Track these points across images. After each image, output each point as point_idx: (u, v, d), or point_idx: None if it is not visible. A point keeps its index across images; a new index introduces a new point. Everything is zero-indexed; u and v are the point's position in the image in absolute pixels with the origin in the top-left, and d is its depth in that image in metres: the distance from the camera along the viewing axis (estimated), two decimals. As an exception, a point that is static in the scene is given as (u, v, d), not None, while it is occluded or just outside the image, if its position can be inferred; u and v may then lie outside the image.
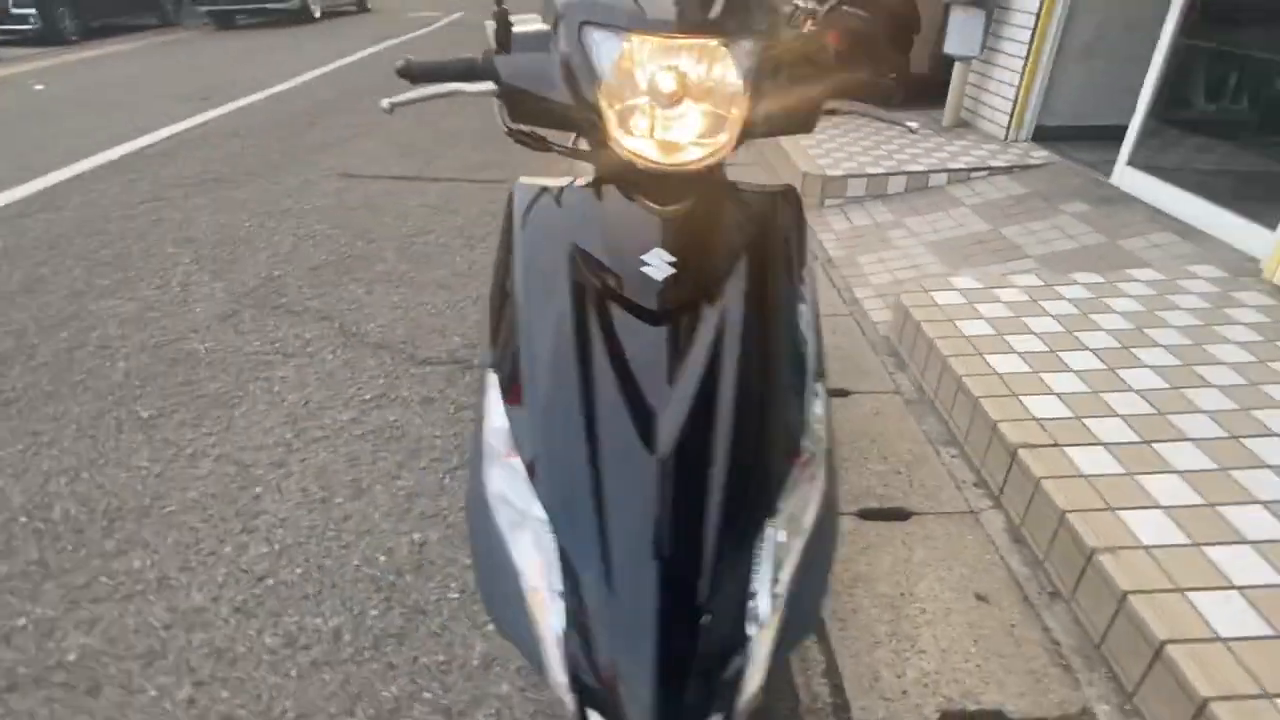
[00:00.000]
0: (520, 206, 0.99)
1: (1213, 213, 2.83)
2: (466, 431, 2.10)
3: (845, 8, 4.94)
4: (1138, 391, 1.82)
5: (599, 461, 0.77)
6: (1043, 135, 4.10)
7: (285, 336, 2.60)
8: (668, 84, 0.79)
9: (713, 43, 0.79)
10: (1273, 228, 2.53)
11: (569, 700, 0.74)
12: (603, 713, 0.72)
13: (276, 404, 2.23)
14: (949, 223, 3.31)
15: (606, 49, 0.81)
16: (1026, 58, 3.91)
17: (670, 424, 0.78)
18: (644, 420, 0.79)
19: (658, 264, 0.85)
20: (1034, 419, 1.73)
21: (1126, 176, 3.34)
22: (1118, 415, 1.73)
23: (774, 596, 0.75)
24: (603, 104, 0.82)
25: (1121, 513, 1.46)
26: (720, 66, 0.80)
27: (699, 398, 0.80)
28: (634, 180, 0.89)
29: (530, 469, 0.80)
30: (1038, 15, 3.80)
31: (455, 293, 2.93)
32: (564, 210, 0.97)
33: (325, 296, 2.89)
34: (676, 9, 0.79)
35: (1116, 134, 3.40)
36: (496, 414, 0.87)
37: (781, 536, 0.78)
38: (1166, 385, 1.84)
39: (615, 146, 0.84)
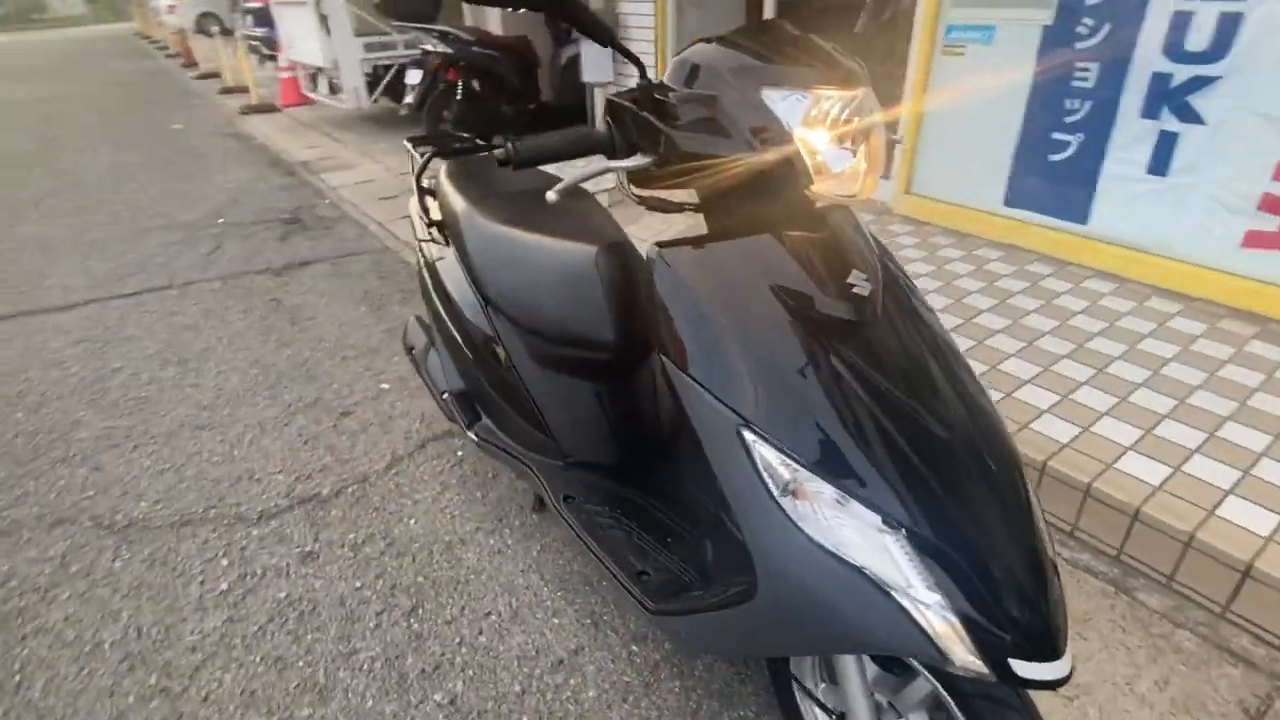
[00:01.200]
0: (685, 268, 0.98)
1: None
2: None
3: (475, 49, 5.16)
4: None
5: (910, 459, 0.86)
6: (683, 139, 4.91)
7: (19, 569, 1.81)
8: (846, 129, 0.90)
9: (861, 91, 0.92)
10: (887, 179, 3.54)
11: (983, 665, 0.82)
12: (1018, 655, 0.82)
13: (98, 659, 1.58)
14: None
15: (791, 106, 0.88)
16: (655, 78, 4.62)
17: (936, 412, 0.91)
18: (916, 415, 0.90)
19: (861, 283, 0.95)
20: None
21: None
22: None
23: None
24: (802, 151, 0.89)
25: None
26: (866, 109, 0.93)
27: (933, 387, 0.94)
28: (784, 218, 0.97)
29: (855, 493, 0.85)
30: (654, 41, 4.52)
31: (226, 429, 2.36)
32: (745, 260, 0.97)
33: (38, 496, 2.06)
34: (838, 72, 0.90)
35: None
36: (778, 462, 0.88)
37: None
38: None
39: (811, 188, 0.91)
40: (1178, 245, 2.59)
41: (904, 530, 0.84)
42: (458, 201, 1.70)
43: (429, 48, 5.07)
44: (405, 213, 4.34)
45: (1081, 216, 2.83)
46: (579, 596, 1.71)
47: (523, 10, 1.10)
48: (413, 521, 1.96)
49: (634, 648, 1.58)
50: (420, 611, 1.68)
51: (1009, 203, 3.06)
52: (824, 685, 1.24)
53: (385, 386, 2.60)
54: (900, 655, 0.87)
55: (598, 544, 1.40)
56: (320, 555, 1.84)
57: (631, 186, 1.04)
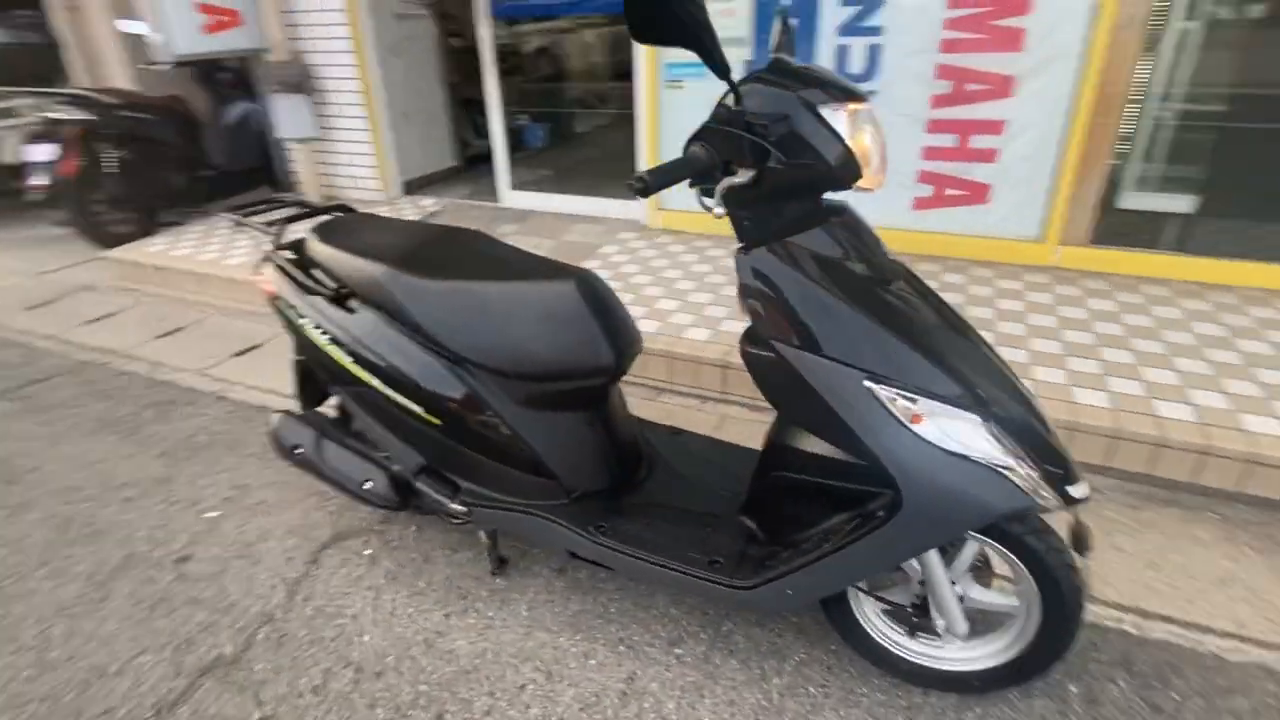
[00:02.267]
0: (784, 262, 1.13)
1: (593, 202, 4.14)
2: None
3: (123, 113, 4.39)
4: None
5: (973, 369, 1.16)
6: (410, 188, 4.77)
7: None
8: (875, 135, 1.15)
9: (867, 104, 1.18)
10: (631, 199, 3.96)
11: (1057, 497, 1.14)
12: (1067, 483, 1.15)
13: None
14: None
15: (839, 119, 1.10)
16: (370, 129, 4.42)
17: (967, 332, 1.22)
18: (962, 337, 1.20)
19: (887, 249, 1.21)
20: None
21: (513, 198, 4.38)
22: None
23: None
24: (858, 157, 1.11)
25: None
26: (874, 117, 1.19)
27: (954, 313, 1.25)
28: (808, 213, 1.20)
29: (955, 403, 1.11)
30: (363, 93, 4.32)
31: (14, 633, 1.72)
32: (819, 247, 1.16)
33: None
34: (850, 90, 1.15)
35: (448, 175, 4.45)
36: (898, 397, 1.10)
37: None
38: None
39: (859, 185, 1.14)
40: (871, 215, 3.43)
41: (992, 420, 1.12)
42: (367, 266, 1.55)
43: (59, 115, 4.09)
44: (77, 317, 3.49)
45: (802, 206, 3.57)
46: (597, 631, 1.69)
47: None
48: (367, 637, 1.70)
49: (678, 651, 1.63)
50: (449, 718, 1.49)
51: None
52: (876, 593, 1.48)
53: (214, 514, 2.14)
54: (1008, 514, 1.14)
55: (657, 555, 1.45)
56: (280, 715, 1.50)
57: (715, 203, 1.16)
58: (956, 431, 1.11)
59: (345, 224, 1.76)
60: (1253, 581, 1.75)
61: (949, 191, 3.26)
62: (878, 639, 1.49)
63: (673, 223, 3.86)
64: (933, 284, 3.01)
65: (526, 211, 4.31)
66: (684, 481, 1.66)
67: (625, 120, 3.93)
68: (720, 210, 1.19)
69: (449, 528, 2.01)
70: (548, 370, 1.47)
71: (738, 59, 3.38)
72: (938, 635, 1.44)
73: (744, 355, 1.29)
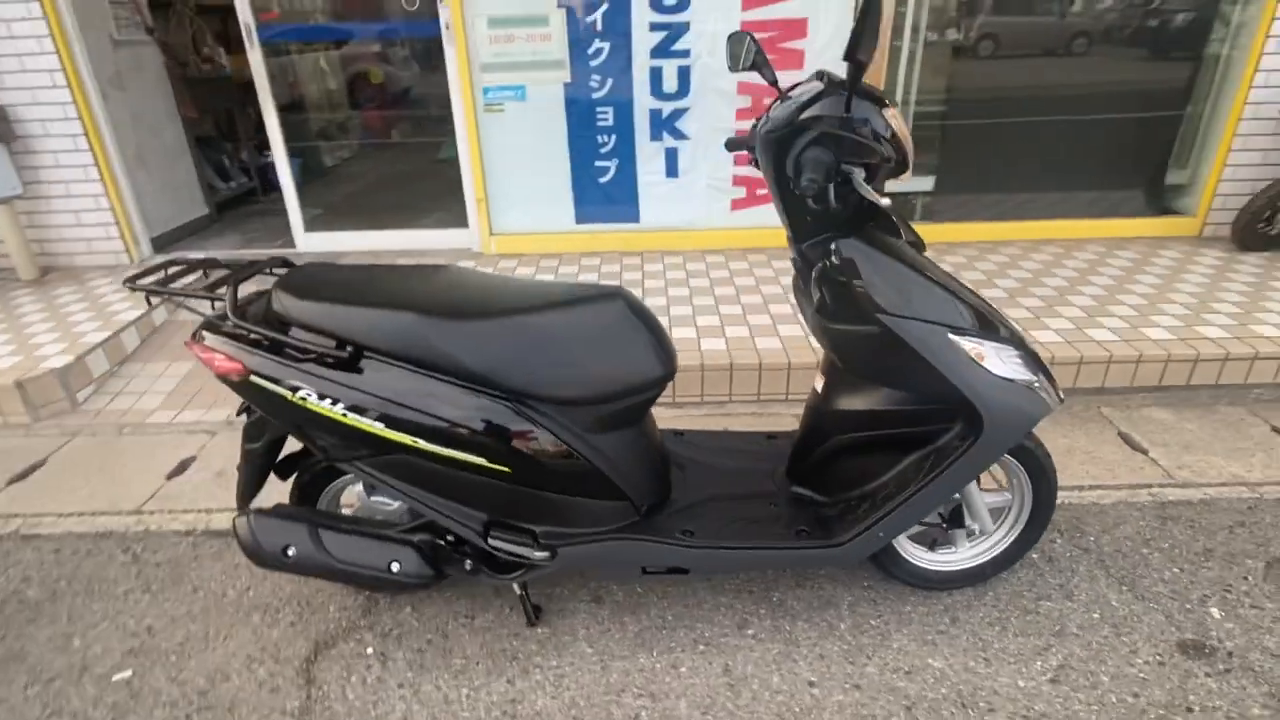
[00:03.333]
0: (876, 246, 1.31)
1: (412, 236, 3.90)
2: None
3: None
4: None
5: (992, 313, 1.47)
6: (160, 245, 3.98)
7: None
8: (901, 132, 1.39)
9: (897, 107, 1.41)
10: (458, 227, 3.83)
11: (1059, 401, 1.50)
12: (1056, 391, 1.52)
13: None
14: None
15: (884, 119, 1.32)
16: (102, 178, 3.60)
17: (978, 295, 1.53)
18: (980, 299, 1.51)
19: (916, 233, 1.47)
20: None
21: (312, 241, 3.92)
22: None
23: None
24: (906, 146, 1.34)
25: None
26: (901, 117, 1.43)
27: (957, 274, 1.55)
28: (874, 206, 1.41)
29: (999, 341, 1.41)
30: (87, 135, 3.51)
31: None
32: (887, 229, 1.36)
33: None
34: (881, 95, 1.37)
35: (203, 225, 4.20)
36: (970, 344, 1.37)
37: None
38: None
39: (901, 176, 1.37)
40: (698, 220, 3.80)
41: (1020, 349, 1.44)
42: (388, 316, 1.38)
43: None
44: None
45: (635, 217, 3.80)
46: (668, 640, 1.70)
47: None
48: (432, 733, 1.50)
49: (750, 632, 1.72)
50: (583, 773, 1.40)
51: (580, 220, 3.81)
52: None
53: (124, 675, 1.67)
54: (1038, 421, 1.45)
55: (749, 542, 1.53)
56: None
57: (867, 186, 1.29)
58: (1005, 362, 1.40)
59: (310, 275, 1.52)
60: (1092, 450, 2.39)
61: (759, 191, 3.73)
62: (909, 560, 1.75)
63: (509, 246, 3.82)
64: (766, 271, 3.49)
65: (334, 255, 3.90)
66: (720, 474, 1.75)
67: (415, 149, 3.80)
68: (886, 201, 1.31)
69: (452, 596, 1.83)
70: (614, 389, 1.45)
71: (556, 81, 3.48)
72: (952, 545, 1.75)
73: (825, 331, 1.44)
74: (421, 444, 1.40)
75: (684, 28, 3.39)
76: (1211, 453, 2.33)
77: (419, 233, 3.95)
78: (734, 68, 1.73)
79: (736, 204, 3.77)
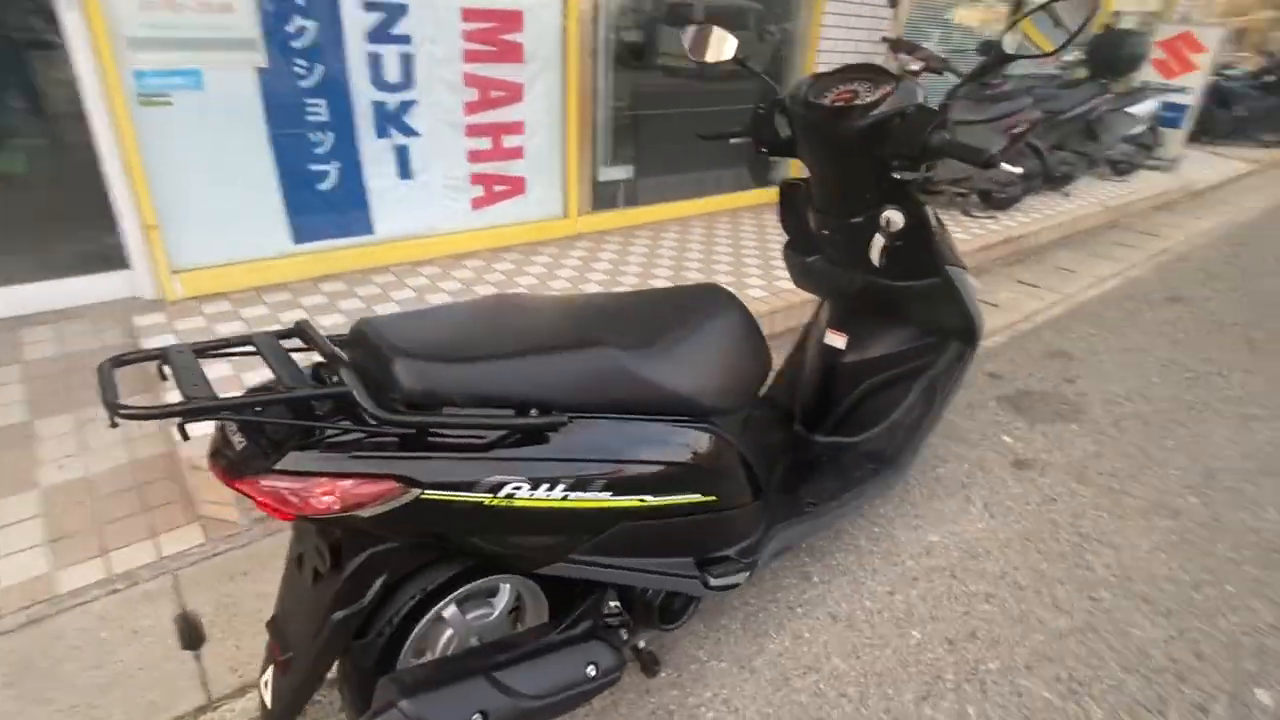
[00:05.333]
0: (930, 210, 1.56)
1: (36, 291, 2.59)
2: None
3: None
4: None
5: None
6: None
7: None
8: None
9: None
10: (110, 269, 2.72)
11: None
12: None
13: None
14: None
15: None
16: None
17: None
18: None
19: None
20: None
21: None
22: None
23: None
24: None
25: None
26: None
27: None
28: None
29: (965, 267, 1.86)
30: None
31: None
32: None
33: None
34: None
35: None
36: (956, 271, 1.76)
37: None
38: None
39: None
40: (439, 224, 3.45)
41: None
42: (577, 360, 1.09)
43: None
44: None
45: (367, 228, 3.24)
46: (767, 619, 1.74)
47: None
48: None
49: (814, 581, 1.88)
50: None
51: (300, 239, 3.06)
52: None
53: None
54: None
55: (846, 494, 1.69)
56: None
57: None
58: (970, 283, 1.82)
59: (397, 331, 1.04)
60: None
61: (496, 188, 3.59)
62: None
63: (203, 285, 2.86)
64: (505, 265, 3.40)
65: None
66: (758, 449, 1.82)
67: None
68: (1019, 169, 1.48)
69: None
70: (755, 387, 1.41)
71: (246, 65, 2.72)
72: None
73: (885, 291, 1.65)
74: (649, 500, 1.14)
75: (402, 10, 2.99)
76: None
77: (46, 285, 2.64)
78: (698, 58, 1.76)
79: (477, 203, 3.55)
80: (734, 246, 3.92)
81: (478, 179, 3.51)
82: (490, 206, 3.61)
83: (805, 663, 1.63)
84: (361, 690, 1.14)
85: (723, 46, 1.72)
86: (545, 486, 1.04)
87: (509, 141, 3.55)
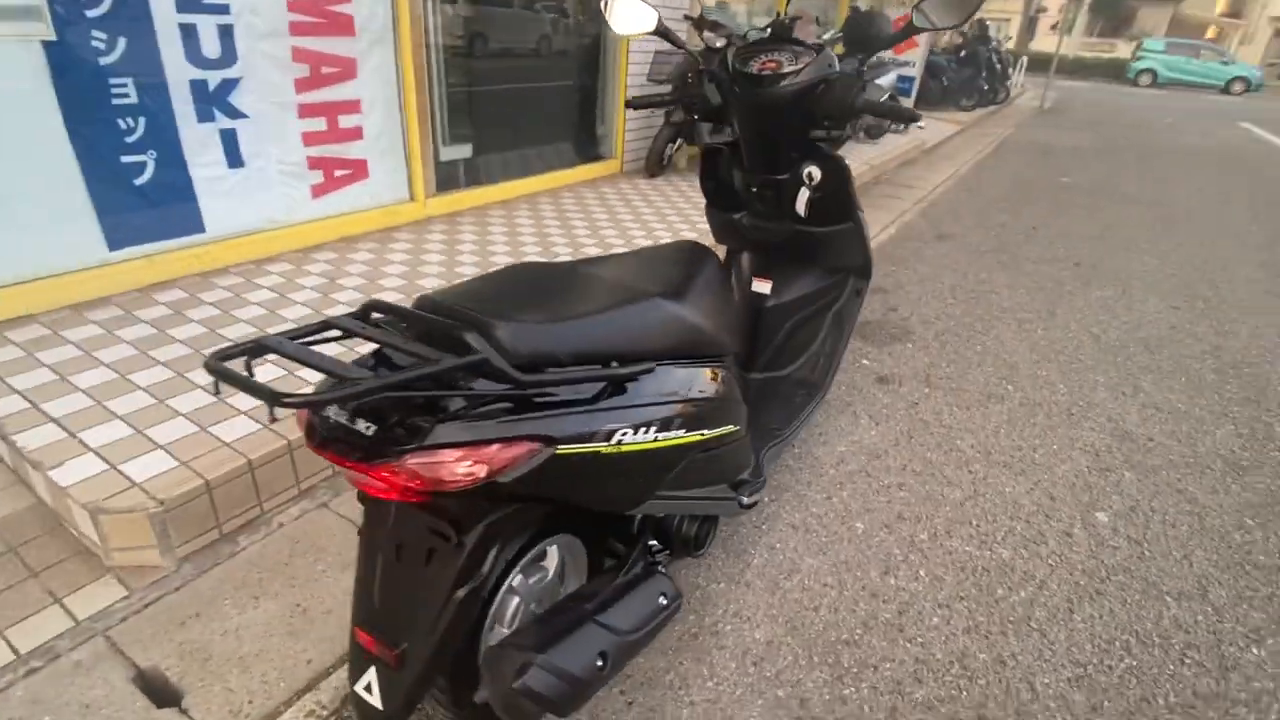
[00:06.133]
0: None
1: None
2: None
3: None
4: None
5: None
6: None
7: None
8: None
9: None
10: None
11: None
12: None
13: None
14: None
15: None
16: None
17: None
18: None
19: None
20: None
21: None
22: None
23: None
24: None
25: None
26: None
27: None
28: None
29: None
30: None
31: None
32: None
33: None
34: None
35: None
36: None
37: None
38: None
39: None
40: (278, 216, 3.12)
41: None
42: (640, 312, 1.17)
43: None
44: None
45: (198, 226, 2.83)
46: (775, 520, 1.94)
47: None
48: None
49: (805, 480, 2.11)
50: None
51: (116, 245, 2.60)
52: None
53: None
54: None
55: (796, 416, 1.94)
56: None
57: None
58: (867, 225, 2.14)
59: (479, 296, 1.04)
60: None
61: (337, 173, 3.33)
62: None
63: None
64: (364, 255, 3.22)
65: None
66: None
67: None
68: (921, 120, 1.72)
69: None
70: (743, 326, 1.58)
71: (27, 37, 2.24)
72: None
73: (807, 237, 1.87)
74: (706, 434, 1.25)
75: (215, -27, 2.64)
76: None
77: None
78: (619, 30, 1.85)
79: (317, 190, 3.25)
80: (588, 219, 4.02)
81: (316, 163, 3.22)
82: (333, 193, 3.34)
83: (786, 568, 1.86)
84: (460, 672, 1.13)
85: (642, 19, 1.82)
86: (643, 429, 1.11)
87: (346, 121, 3.30)
